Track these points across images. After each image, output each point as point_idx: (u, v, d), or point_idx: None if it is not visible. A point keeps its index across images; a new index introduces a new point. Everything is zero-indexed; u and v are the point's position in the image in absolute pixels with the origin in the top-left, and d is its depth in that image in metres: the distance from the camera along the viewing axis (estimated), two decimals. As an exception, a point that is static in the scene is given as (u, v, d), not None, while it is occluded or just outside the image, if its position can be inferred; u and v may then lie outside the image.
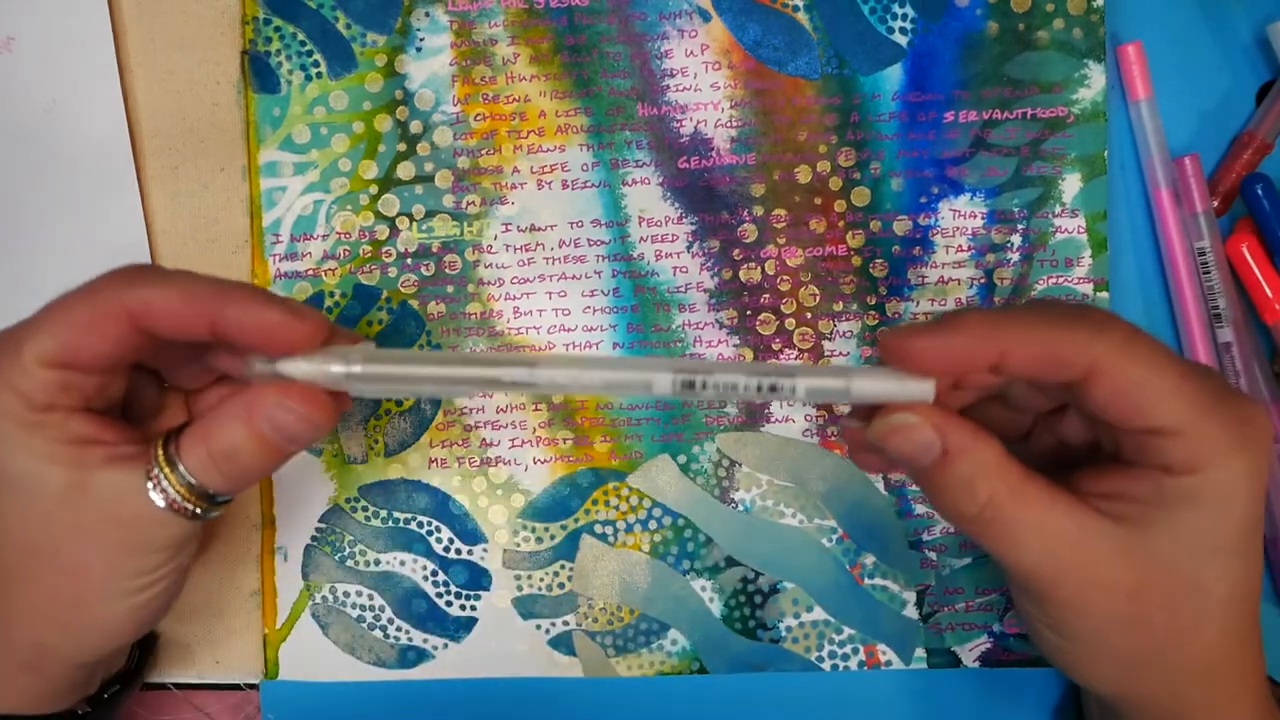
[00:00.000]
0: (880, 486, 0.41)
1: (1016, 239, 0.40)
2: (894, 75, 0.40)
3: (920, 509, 0.41)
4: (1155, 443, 0.29)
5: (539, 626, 0.41)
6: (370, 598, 0.41)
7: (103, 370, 0.31)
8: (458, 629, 0.41)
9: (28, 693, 0.34)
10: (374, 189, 0.41)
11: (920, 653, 0.41)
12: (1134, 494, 0.29)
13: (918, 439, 0.30)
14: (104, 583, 0.32)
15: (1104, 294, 0.40)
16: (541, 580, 0.41)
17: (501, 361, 0.30)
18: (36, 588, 0.32)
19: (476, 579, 0.41)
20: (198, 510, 0.32)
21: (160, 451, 0.31)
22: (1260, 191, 0.39)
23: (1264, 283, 0.39)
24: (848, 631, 0.41)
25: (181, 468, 0.31)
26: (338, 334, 0.32)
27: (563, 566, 0.41)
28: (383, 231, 0.41)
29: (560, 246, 0.41)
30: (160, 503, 0.31)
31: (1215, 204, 0.40)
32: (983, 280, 0.40)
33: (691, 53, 0.40)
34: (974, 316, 0.30)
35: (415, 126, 0.41)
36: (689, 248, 0.41)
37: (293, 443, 0.31)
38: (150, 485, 0.31)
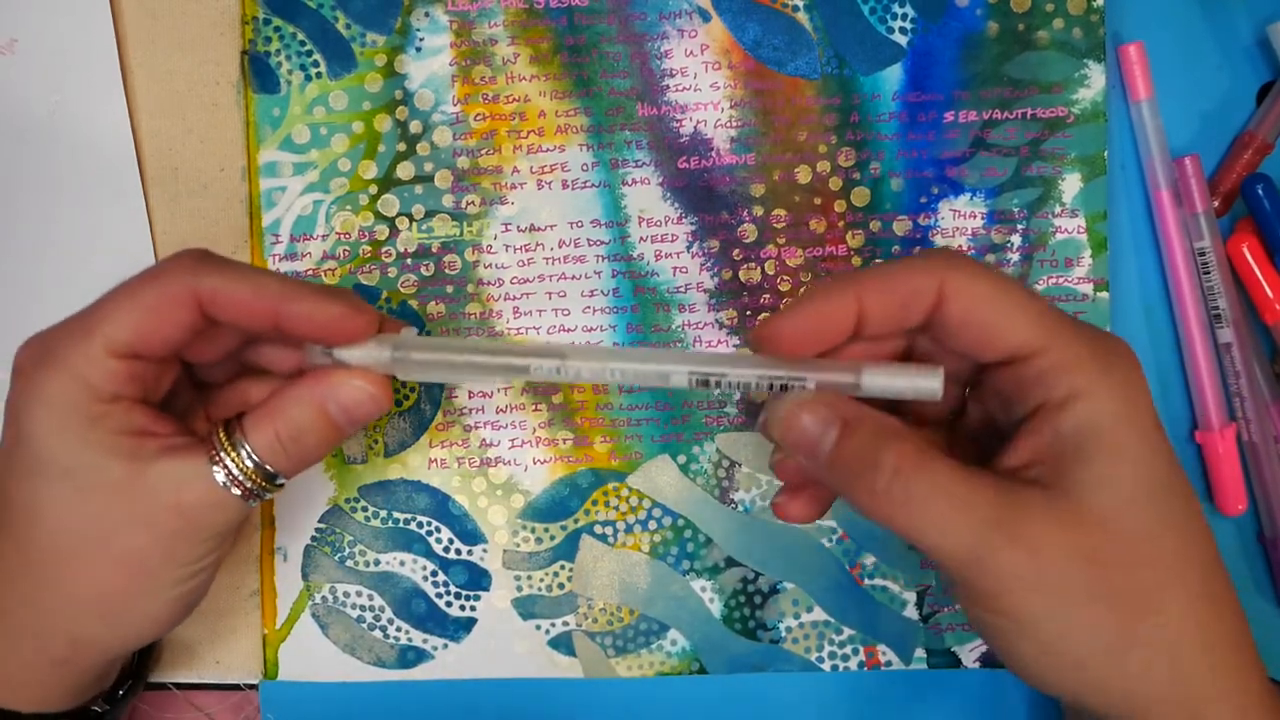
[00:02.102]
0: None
1: (1016, 239, 0.40)
2: (894, 75, 0.40)
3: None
4: (1027, 374, 0.28)
5: (539, 627, 0.41)
6: (370, 598, 0.41)
7: (165, 358, 0.32)
8: (457, 629, 0.41)
9: (55, 688, 0.34)
10: (374, 189, 0.41)
11: (920, 653, 0.41)
12: (1042, 454, 0.29)
13: (815, 416, 0.29)
14: (157, 572, 0.32)
15: (1104, 294, 0.40)
16: (541, 581, 0.41)
17: (535, 353, 0.32)
18: (86, 579, 0.32)
19: (476, 579, 0.41)
20: (261, 490, 0.33)
21: (223, 436, 0.32)
22: (1261, 191, 0.39)
23: (1264, 283, 0.39)
24: (848, 632, 0.41)
25: (246, 449, 0.32)
26: (384, 322, 0.34)
27: (562, 567, 0.41)
28: (382, 232, 0.41)
29: (560, 246, 0.41)
30: (227, 485, 0.32)
31: (1216, 204, 0.40)
32: (983, 280, 0.40)
33: (691, 53, 0.40)
34: (824, 283, 0.31)
35: (415, 126, 0.41)
36: (689, 248, 0.41)
37: (354, 423, 0.33)
38: (216, 469, 0.32)
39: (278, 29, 0.41)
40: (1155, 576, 0.28)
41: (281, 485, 0.33)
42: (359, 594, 0.41)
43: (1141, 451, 0.28)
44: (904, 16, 0.40)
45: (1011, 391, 0.30)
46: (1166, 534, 0.28)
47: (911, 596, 0.41)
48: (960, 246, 0.40)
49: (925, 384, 0.30)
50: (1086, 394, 0.28)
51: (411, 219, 0.41)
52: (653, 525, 0.41)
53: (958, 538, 0.27)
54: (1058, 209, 0.40)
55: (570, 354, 0.32)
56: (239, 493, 0.32)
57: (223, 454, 0.32)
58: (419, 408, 0.41)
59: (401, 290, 0.41)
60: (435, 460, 0.41)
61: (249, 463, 0.32)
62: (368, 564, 0.41)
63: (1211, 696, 0.28)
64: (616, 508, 0.41)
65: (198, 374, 0.36)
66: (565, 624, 0.41)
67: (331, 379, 0.32)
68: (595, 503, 0.41)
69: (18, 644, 0.33)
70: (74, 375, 0.31)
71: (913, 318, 0.29)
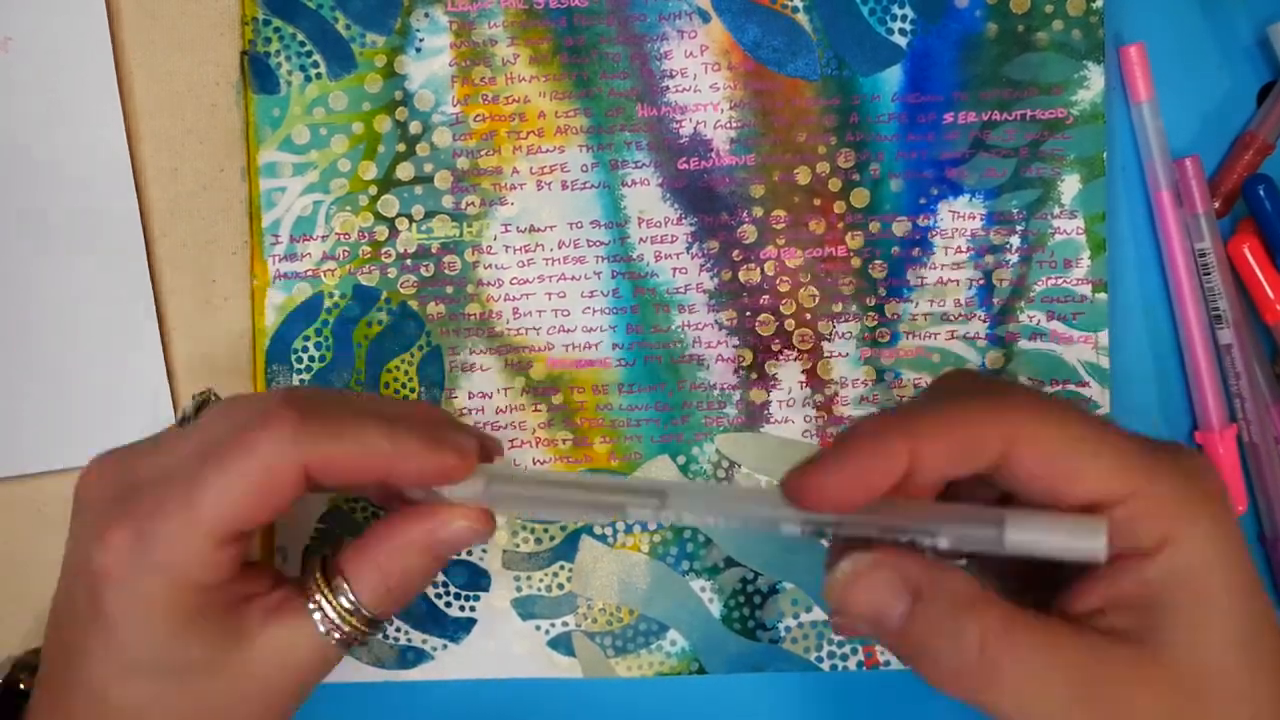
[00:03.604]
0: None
1: (1015, 240, 0.40)
2: (893, 76, 0.40)
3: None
4: (1112, 521, 0.26)
5: (538, 627, 0.41)
6: (369, 599, 0.41)
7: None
8: (457, 630, 0.41)
9: None
10: (373, 190, 0.41)
11: (919, 653, 0.41)
12: (1124, 599, 0.26)
13: (882, 586, 0.26)
14: None
15: (1102, 295, 0.40)
16: (541, 581, 0.41)
17: (633, 489, 0.30)
18: None
19: (475, 580, 0.41)
20: (362, 637, 0.32)
21: (325, 585, 0.31)
22: (1262, 192, 0.39)
23: (1265, 283, 0.39)
24: (847, 632, 0.41)
25: (345, 596, 0.31)
26: (482, 439, 0.33)
27: (562, 567, 0.41)
28: (382, 232, 0.41)
29: (560, 247, 0.41)
30: (328, 634, 0.31)
31: (1217, 205, 0.40)
32: (981, 281, 0.40)
33: (691, 54, 0.40)
34: (869, 425, 0.26)
35: (415, 127, 0.41)
36: (688, 248, 0.41)
37: (455, 554, 0.33)
38: (322, 626, 0.31)
39: (277, 29, 0.41)
40: None
41: (382, 631, 0.32)
42: (358, 594, 0.41)
43: (1235, 601, 0.25)
44: (903, 18, 0.40)
45: None
46: (1259, 688, 0.26)
47: (911, 597, 0.41)
48: (959, 248, 0.40)
49: (1085, 545, 0.25)
50: (1174, 542, 0.25)
51: (411, 219, 0.41)
52: (652, 525, 0.41)
53: (1043, 711, 0.25)
54: (1056, 210, 0.40)
55: (672, 492, 0.29)
56: (347, 644, 0.31)
57: (328, 607, 0.31)
58: (418, 408, 0.41)
59: (401, 291, 0.41)
60: (435, 461, 0.41)
61: (352, 613, 0.31)
62: (367, 564, 0.41)
63: None
64: (616, 508, 0.41)
65: None
66: (565, 624, 0.41)
67: (436, 519, 0.31)
68: (595, 503, 0.41)
69: None
70: (180, 578, 0.29)
71: (971, 468, 0.26)
